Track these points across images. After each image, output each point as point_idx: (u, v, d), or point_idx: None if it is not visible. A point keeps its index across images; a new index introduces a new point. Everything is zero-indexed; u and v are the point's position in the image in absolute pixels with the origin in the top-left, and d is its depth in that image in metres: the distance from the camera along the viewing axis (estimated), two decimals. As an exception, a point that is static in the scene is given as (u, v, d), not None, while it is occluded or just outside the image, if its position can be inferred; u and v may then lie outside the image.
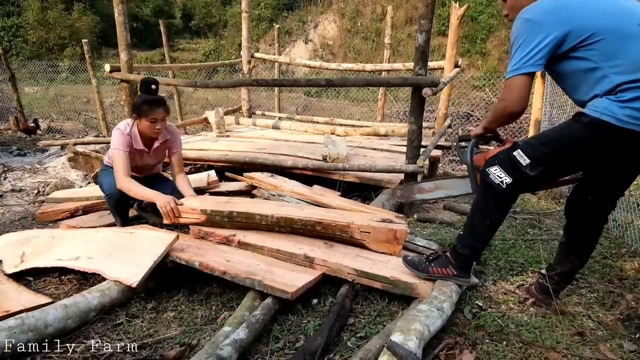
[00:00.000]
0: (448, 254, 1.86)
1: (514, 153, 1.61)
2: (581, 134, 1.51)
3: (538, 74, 4.07)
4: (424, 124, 3.92)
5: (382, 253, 2.17)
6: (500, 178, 1.61)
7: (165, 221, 2.45)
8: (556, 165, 1.60)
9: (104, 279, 1.94)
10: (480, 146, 1.96)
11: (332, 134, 4.91)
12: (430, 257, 1.89)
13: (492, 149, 1.86)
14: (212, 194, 3.29)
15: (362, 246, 2.18)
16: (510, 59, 1.57)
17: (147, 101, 2.52)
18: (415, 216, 3.17)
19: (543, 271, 1.97)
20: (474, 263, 1.83)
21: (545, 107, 4.68)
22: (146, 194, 2.49)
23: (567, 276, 1.90)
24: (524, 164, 1.57)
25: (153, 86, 2.54)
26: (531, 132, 4.49)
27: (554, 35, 1.47)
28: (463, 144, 1.98)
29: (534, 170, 1.56)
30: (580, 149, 1.54)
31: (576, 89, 1.58)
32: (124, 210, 2.76)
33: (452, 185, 2.33)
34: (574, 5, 1.50)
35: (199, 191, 2.75)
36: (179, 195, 2.65)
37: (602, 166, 1.64)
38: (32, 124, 7.65)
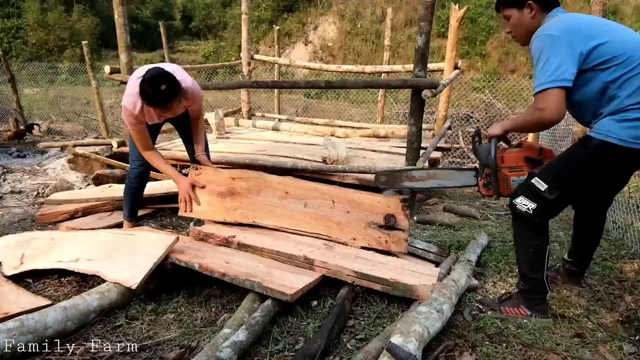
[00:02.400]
0: (518, 292, 1.89)
1: (532, 181, 1.72)
2: (588, 159, 1.64)
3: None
4: (424, 126, 3.92)
5: (381, 255, 2.17)
6: (526, 206, 1.72)
7: (180, 213, 2.62)
8: (572, 188, 1.70)
9: (104, 281, 1.94)
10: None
11: (332, 135, 4.92)
12: (503, 298, 1.94)
13: (513, 150, 1.89)
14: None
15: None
16: (538, 73, 1.61)
17: (148, 104, 2.20)
18: (415, 218, 3.17)
19: (566, 257, 2.13)
20: (544, 297, 1.82)
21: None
22: (168, 172, 2.55)
23: (587, 254, 2.07)
24: (543, 190, 1.68)
25: (150, 92, 2.10)
26: (530, 138, 4.48)
27: (579, 51, 1.55)
28: (477, 139, 2.05)
29: (553, 194, 1.67)
30: (590, 173, 1.67)
31: (585, 107, 1.67)
32: (139, 198, 2.78)
33: (447, 176, 2.23)
34: (592, 29, 1.59)
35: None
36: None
37: (610, 181, 1.78)
38: (22, 127, 7.60)
